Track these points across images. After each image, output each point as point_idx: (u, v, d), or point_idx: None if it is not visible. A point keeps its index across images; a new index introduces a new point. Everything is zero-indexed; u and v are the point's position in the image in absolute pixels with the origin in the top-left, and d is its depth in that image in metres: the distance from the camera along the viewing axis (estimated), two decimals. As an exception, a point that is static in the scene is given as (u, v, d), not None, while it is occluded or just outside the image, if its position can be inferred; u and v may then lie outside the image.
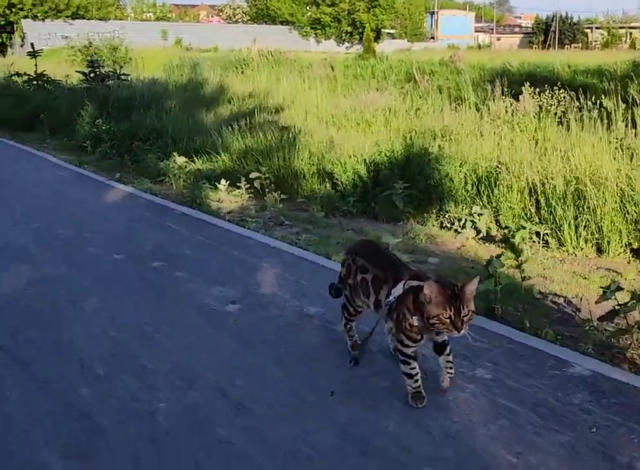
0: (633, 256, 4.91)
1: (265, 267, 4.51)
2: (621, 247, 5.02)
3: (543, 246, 5.09)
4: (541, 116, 7.65)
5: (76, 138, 9.45)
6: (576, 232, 5.14)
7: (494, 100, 8.72)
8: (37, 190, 7.02)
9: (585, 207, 5.25)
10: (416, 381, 2.83)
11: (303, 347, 3.37)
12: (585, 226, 5.13)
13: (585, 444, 2.47)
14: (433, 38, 49.58)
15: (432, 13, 53.06)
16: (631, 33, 47.61)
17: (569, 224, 5.18)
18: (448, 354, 2.89)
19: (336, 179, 6.78)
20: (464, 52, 30.27)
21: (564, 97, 8.42)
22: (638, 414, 2.69)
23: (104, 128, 9.05)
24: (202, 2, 54.59)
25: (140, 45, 27.46)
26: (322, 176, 7.03)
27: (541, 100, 8.57)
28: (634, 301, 3.37)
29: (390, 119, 9.25)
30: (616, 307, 3.36)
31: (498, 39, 52.28)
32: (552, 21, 50.40)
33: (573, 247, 5.09)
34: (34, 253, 4.82)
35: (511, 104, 8.66)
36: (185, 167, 7.44)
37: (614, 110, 7.08)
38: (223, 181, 6.69)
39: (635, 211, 5.14)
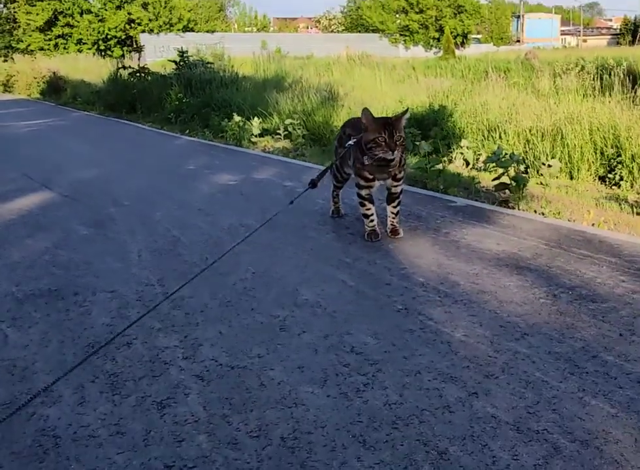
0: (600, 182, 5.74)
1: (264, 168, 5.92)
2: (590, 174, 5.94)
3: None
4: (573, 90, 8.61)
5: (164, 113, 11.21)
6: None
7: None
8: (132, 142, 8.81)
9: (560, 141, 6.28)
10: (372, 221, 3.40)
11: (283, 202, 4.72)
12: (560, 158, 6.13)
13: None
14: (519, 41, 49.14)
15: (518, 17, 52.55)
16: None
17: (546, 156, 6.18)
18: (395, 206, 3.45)
19: None
20: (542, 51, 30.35)
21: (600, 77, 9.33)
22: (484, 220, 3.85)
23: (184, 101, 10.75)
24: (302, 15, 57.36)
25: (242, 54, 29.61)
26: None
27: (582, 80, 9.50)
28: (510, 159, 4.50)
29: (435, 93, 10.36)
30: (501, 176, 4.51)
31: (585, 41, 50.96)
32: (642, 20, 48.53)
33: (550, 175, 6.08)
34: (128, 168, 6.49)
35: (554, 83, 9.72)
36: (243, 124, 8.92)
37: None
38: (255, 119, 8.14)
39: (602, 142, 6.10)
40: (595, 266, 3.05)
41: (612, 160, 5.81)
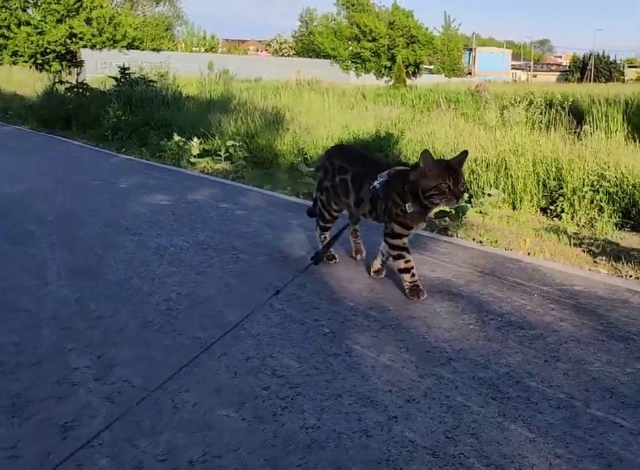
0: (542, 213, 5.94)
1: (201, 189, 5.90)
2: (532, 206, 6.11)
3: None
4: (520, 123, 8.98)
5: (101, 130, 11.06)
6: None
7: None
8: (64, 158, 8.64)
9: (504, 172, 6.50)
10: (414, 275, 2.98)
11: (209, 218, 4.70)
12: (504, 189, 6.34)
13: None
14: (470, 73, 50.87)
15: (470, 49, 54.50)
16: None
17: (490, 186, 6.38)
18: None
19: (306, 154, 8.25)
20: (493, 84, 31.52)
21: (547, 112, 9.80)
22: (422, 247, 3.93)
23: (122, 119, 10.65)
24: (252, 38, 57.97)
25: (188, 74, 29.56)
26: (297, 153, 8.48)
27: (528, 113, 9.93)
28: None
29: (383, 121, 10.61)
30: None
31: (534, 76, 53.20)
32: (589, 59, 51.07)
33: (490, 204, 6.27)
34: (56, 185, 6.35)
35: (501, 115, 10.17)
36: (183, 144, 8.89)
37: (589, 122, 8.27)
38: (195, 139, 8.13)
39: (544, 175, 6.34)
40: (526, 294, 3.14)
41: (554, 193, 6.03)
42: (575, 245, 4.57)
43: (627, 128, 8.65)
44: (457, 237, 4.49)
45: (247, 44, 57.06)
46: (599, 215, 5.37)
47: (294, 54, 45.55)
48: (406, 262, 2.97)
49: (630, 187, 5.66)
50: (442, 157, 3.34)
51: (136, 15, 37.33)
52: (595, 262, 4.03)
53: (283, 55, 45.82)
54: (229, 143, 8.16)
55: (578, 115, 9.15)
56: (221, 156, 8.15)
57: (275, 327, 2.67)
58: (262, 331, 2.61)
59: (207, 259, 3.65)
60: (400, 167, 2.94)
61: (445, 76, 46.30)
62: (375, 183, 2.91)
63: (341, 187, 3.21)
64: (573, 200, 5.72)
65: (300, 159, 8.18)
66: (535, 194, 6.14)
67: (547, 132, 8.15)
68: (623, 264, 3.89)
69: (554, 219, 5.69)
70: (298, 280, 3.28)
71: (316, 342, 2.52)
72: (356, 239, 3.62)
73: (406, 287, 3.01)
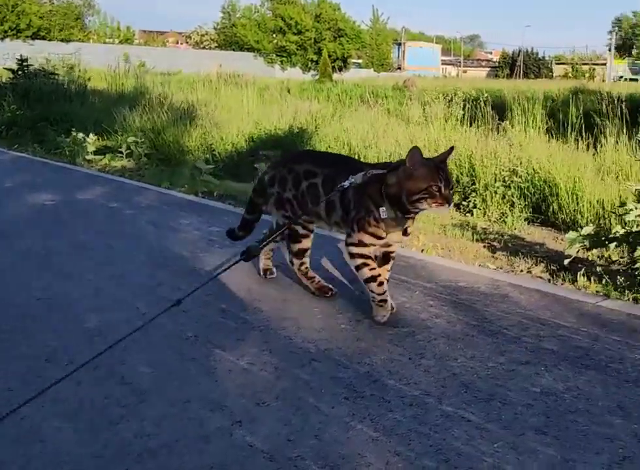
0: (455, 209, 5.90)
1: (93, 188, 5.78)
2: None
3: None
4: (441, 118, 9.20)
5: (-7, 125, 10.64)
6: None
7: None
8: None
9: None
10: (380, 284, 2.69)
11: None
12: None
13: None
14: (400, 68, 51.78)
15: (399, 44, 55.47)
16: (594, 69, 50.10)
17: None
18: (389, 270, 2.84)
19: (215, 151, 8.20)
20: (422, 79, 32.19)
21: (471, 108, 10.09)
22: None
23: (18, 114, 10.29)
24: (171, 29, 57.15)
25: (100, 66, 28.80)
26: (206, 150, 8.41)
27: (451, 109, 10.18)
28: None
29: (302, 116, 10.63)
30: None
31: (465, 72, 54.65)
32: (518, 55, 52.87)
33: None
34: None
35: (424, 110, 10.37)
36: (82, 141, 8.65)
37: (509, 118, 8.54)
38: (91, 135, 7.95)
39: (458, 171, 6.49)
40: (408, 291, 3.21)
41: (467, 188, 6.21)
42: (477, 240, 4.71)
43: (551, 123, 9.03)
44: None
45: (166, 35, 56.18)
46: (510, 211, 5.56)
47: (216, 47, 45.17)
48: (371, 269, 2.68)
49: (541, 183, 5.89)
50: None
51: (42, 3, 36.10)
52: (493, 257, 4.16)
53: (204, 47, 45.36)
54: (130, 139, 8.02)
55: (501, 110, 9.45)
56: (122, 153, 7.99)
57: (135, 332, 2.63)
58: (120, 337, 2.57)
59: (80, 262, 3.57)
60: (376, 170, 2.63)
61: (374, 70, 46.94)
62: (345, 183, 2.60)
63: (310, 194, 2.86)
64: (485, 195, 5.89)
65: (207, 156, 8.12)
66: None
67: (469, 127, 8.43)
68: (520, 258, 4.03)
69: (467, 214, 5.85)
70: (173, 282, 3.25)
71: (175, 347, 2.51)
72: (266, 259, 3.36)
73: (372, 300, 2.73)
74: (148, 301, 3.00)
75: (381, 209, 2.56)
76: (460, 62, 58.90)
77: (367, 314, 2.88)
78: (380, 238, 2.64)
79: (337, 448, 1.85)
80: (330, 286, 3.10)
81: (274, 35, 43.93)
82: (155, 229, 4.39)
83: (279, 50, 43.64)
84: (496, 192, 5.83)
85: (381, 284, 2.69)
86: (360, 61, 48.45)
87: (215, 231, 4.35)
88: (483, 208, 5.81)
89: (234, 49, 43.94)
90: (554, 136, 8.32)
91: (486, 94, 12.12)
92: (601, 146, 7.04)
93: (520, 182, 5.94)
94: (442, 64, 57.25)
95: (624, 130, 7.68)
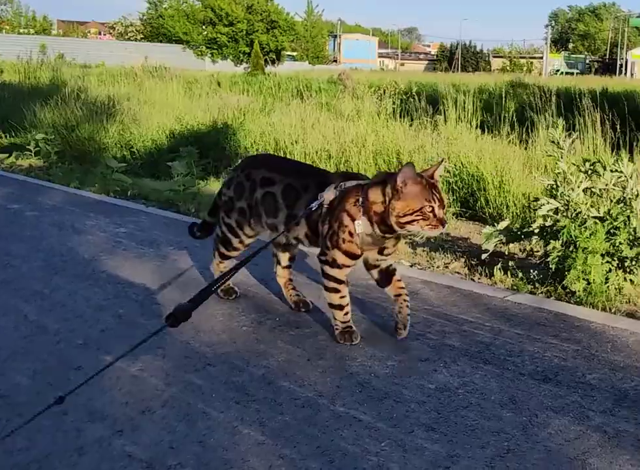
0: None
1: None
2: None
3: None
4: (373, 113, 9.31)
5: None
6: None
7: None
8: None
9: (345, 164, 6.72)
10: (347, 313, 2.60)
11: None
12: None
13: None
14: (336, 61, 52.11)
15: (335, 36, 55.83)
16: (532, 62, 51.64)
17: None
18: (399, 280, 2.67)
19: (133, 148, 8.09)
20: (358, 72, 32.46)
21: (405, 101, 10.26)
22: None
23: None
24: (93, 19, 55.78)
25: (13, 58, 27.93)
26: (124, 146, 8.28)
27: (382, 103, 10.31)
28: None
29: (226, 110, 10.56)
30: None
31: (402, 65, 55.43)
32: (456, 48, 53.97)
33: None
34: None
35: (355, 105, 10.49)
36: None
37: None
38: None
39: (386, 166, 6.61)
40: (317, 291, 3.24)
41: None
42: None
43: (486, 117, 9.26)
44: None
45: (87, 26, 54.92)
46: None
47: (142, 38, 44.41)
48: (341, 297, 2.57)
49: (469, 177, 6.05)
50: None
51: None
52: (413, 253, 4.24)
53: (129, 39, 44.53)
54: (39, 136, 7.82)
55: (436, 104, 9.63)
56: (31, 151, 7.79)
57: (22, 340, 2.58)
58: (3, 345, 2.51)
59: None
60: (351, 182, 2.49)
61: (309, 63, 47.07)
62: (314, 205, 2.45)
63: (265, 204, 2.71)
64: None
65: (125, 153, 8.02)
66: None
67: (401, 121, 8.59)
68: (440, 254, 4.13)
69: None
70: (70, 287, 3.20)
71: (64, 354, 2.47)
72: (291, 289, 3.04)
73: (336, 328, 2.61)
74: (39, 307, 2.94)
75: (356, 222, 2.40)
76: (397, 55, 59.69)
77: (269, 315, 2.90)
78: (355, 257, 2.49)
79: (221, 454, 1.86)
80: (236, 288, 3.10)
81: (204, 27, 43.50)
82: (57, 231, 4.30)
83: (210, 42, 43.24)
84: (425, 188, 5.97)
85: (347, 313, 2.60)
86: (294, 53, 48.50)
87: (122, 232, 4.30)
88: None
89: (161, 41, 43.29)
90: (487, 130, 8.57)
91: (416, 88, 12.39)
92: (533, 140, 7.31)
93: (448, 177, 6.09)
94: (379, 57, 57.90)
95: (554, 123, 7.98)
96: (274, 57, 43.46)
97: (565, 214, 3.87)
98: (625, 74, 40.66)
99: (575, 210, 3.92)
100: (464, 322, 2.87)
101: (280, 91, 20.25)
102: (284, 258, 2.98)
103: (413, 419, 2.06)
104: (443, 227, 2.33)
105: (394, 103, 10.53)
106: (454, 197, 5.75)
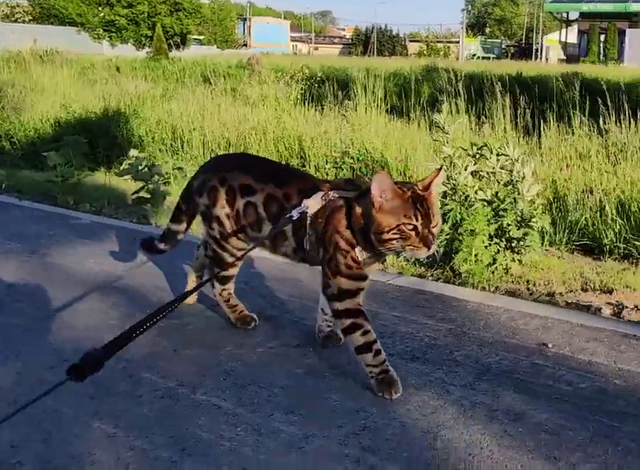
0: None
1: None
2: None
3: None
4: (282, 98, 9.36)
5: None
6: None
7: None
8: None
9: (243, 151, 6.73)
10: (378, 353, 2.20)
11: None
12: None
13: None
14: (246, 45, 51.84)
15: (245, 19, 55.56)
16: (449, 47, 52.92)
17: None
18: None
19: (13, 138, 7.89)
20: (270, 57, 32.40)
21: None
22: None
23: None
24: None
25: None
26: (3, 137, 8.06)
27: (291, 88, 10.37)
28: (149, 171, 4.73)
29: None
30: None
31: (316, 49, 55.72)
32: (372, 32, 54.64)
33: None
34: None
35: (261, 90, 10.52)
36: None
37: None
38: None
39: (287, 153, 6.75)
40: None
41: None
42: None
43: (401, 102, 9.47)
44: (156, 226, 4.56)
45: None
46: None
47: (31, 20, 42.88)
48: (364, 333, 2.21)
49: (374, 163, 6.22)
50: (396, 179, 2.38)
51: None
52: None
53: (16, 21, 42.92)
54: None
55: (347, 89, 9.78)
56: None
57: None
58: None
59: None
60: (338, 191, 2.27)
61: (218, 47, 46.67)
62: (294, 213, 2.21)
63: (247, 216, 2.49)
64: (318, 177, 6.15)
65: (4, 143, 7.81)
66: None
67: (309, 107, 8.73)
68: None
69: None
70: None
71: None
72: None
73: (370, 376, 2.21)
74: None
75: (357, 250, 2.20)
76: (311, 39, 59.92)
77: (141, 308, 2.92)
78: (363, 279, 2.26)
79: (67, 449, 1.88)
80: (253, 315, 2.75)
81: (100, 8, 42.37)
82: None
83: (107, 25, 42.16)
84: (327, 174, 6.08)
85: (377, 353, 2.20)
86: (201, 37, 47.97)
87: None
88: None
89: (52, 24, 41.93)
90: (397, 115, 8.80)
91: (322, 73, 12.53)
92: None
93: (352, 163, 6.23)
94: (292, 41, 57.96)
95: (469, 108, 8.29)
96: (179, 41, 42.85)
97: (453, 198, 4.04)
98: (541, 58, 42.22)
99: (463, 193, 4.11)
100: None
101: (185, 77, 20.07)
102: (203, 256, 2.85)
103: (274, 403, 2.13)
104: (429, 249, 2.05)
105: (302, 88, 10.72)
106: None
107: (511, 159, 4.10)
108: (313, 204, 2.23)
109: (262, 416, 2.06)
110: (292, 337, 2.66)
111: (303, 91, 10.53)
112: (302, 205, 2.22)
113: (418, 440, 1.93)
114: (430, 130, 7.03)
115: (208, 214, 2.59)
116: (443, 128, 4.26)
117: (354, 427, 1.99)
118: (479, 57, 43.24)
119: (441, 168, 2.18)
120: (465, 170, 4.14)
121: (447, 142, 4.25)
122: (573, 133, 6.86)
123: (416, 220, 2.03)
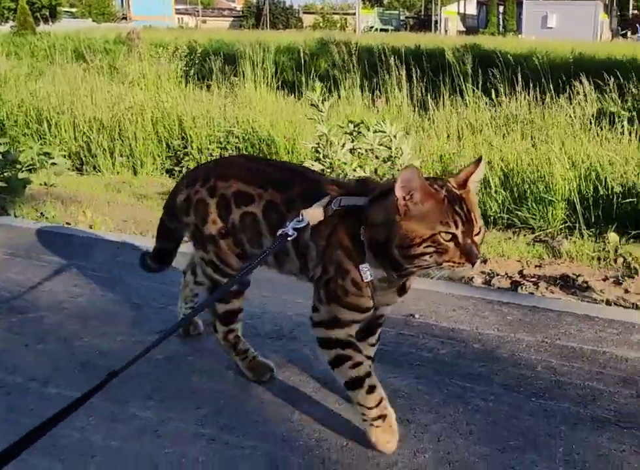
0: (168, 175, 6.36)
1: None
2: (156, 168, 6.46)
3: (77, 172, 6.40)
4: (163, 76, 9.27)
5: None
6: (111, 157, 6.49)
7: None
8: None
9: (119, 134, 6.74)
10: (372, 390, 1.91)
11: None
12: (121, 152, 6.55)
13: None
14: (125, 18, 50.76)
15: (122, -9, 54.42)
16: (345, 19, 53.53)
17: (103, 150, 6.52)
18: (374, 343, 2.14)
19: None
20: (152, 31, 31.86)
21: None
22: None
23: None
24: None
25: None
26: None
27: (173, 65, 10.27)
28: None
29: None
30: None
31: (204, 22, 55.13)
32: (264, 4, 54.52)
33: (109, 171, 6.38)
34: None
35: (139, 67, 10.38)
36: None
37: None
38: None
39: (168, 134, 6.68)
40: (41, 269, 3.29)
41: (179, 153, 6.47)
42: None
43: (290, 77, 9.59)
44: (15, 216, 4.51)
45: None
46: None
47: None
48: (355, 366, 1.91)
49: (260, 142, 6.33)
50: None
51: None
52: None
53: None
54: None
55: (235, 65, 9.80)
56: None
57: None
58: None
59: None
60: (349, 198, 1.93)
61: (94, 21, 45.50)
62: (289, 228, 1.91)
63: (245, 230, 2.17)
64: (200, 159, 6.19)
65: None
66: (159, 155, 6.51)
67: (191, 84, 8.72)
68: None
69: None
70: None
71: None
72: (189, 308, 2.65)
73: (363, 419, 1.93)
74: None
75: (361, 267, 1.85)
76: (197, 11, 59.16)
77: (-9, 302, 2.92)
78: (365, 310, 1.93)
79: None
80: (269, 364, 2.35)
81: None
82: None
83: (-36, -3, 40.39)
84: (211, 155, 6.16)
85: (372, 389, 1.91)
86: (73, 9, 46.66)
87: None
88: (196, 171, 6.10)
89: None
90: (290, 90, 8.90)
91: (201, 49, 12.51)
92: (335, 101, 7.74)
93: (237, 142, 6.32)
94: (177, 13, 57.12)
95: (364, 83, 8.50)
96: (48, 14, 41.51)
97: (331, 175, 4.21)
98: (440, 30, 43.32)
99: (341, 171, 4.28)
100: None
101: (55, 54, 19.50)
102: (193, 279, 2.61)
103: (130, 390, 2.21)
104: (472, 265, 1.71)
105: (186, 65, 10.71)
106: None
107: (389, 136, 4.30)
108: (314, 215, 1.91)
109: (117, 403, 2.13)
110: (156, 323, 2.73)
111: (188, 68, 10.52)
112: (300, 217, 1.91)
113: (275, 416, 2.06)
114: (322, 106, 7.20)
115: (198, 235, 2.26)
116: (317, 106, 4.40)
117: (213, 408, 2.10)
118: (376, 30, 43.80)
119: (480, 158, 1.80)
120: (343, 147, 4.31)
121: (322, 120, 4.40)
122: (466, 106, 7.20)
123: (456, 227, 1.68)
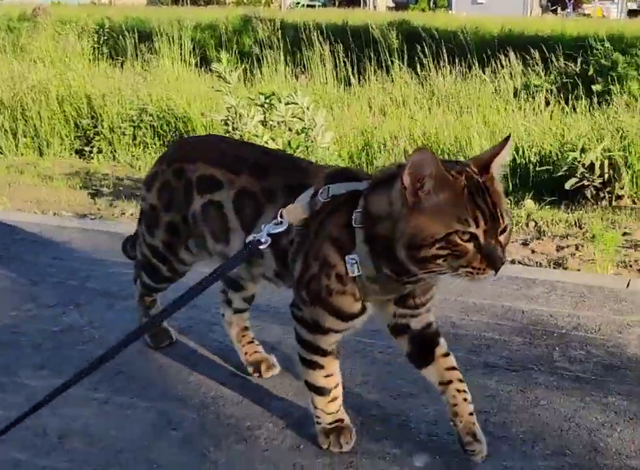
0: (78, 156, 6.31)
1: None
2: (64, 149, 6.39)
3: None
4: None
5: None
6: (14, 138, 6.41)
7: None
8: None
9: (22, 114, 6.64)
10: (334, 400, 1.84)
11: None
12: (25, 133, 6.47)
13: None
14: (32, -4, 49.57)
15: (27, -37, 53.00)
16: (274, -6, 53.39)
17: (5, 132, 6.45)
18: (446, 354, 1.84)
19: None
20: (62, 8, 31.18)
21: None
22: None
23: None
24: None
25: None
26: None
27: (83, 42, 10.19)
28: None
29: None
30: None
31: (119, -2, 54.25)
32: (181, -22, 53.98)
33: (12, 153, 6.30)
34: None
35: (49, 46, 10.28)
36: None
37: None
38: None
39: (76, 113, 6.62)
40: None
41: (88, 132, 6.43)
42: (85, 188, 4.95)
43: (212, 55, 9.57)
44: None
45: None
46: (143, 152, 6.05)
47: None
48: (326, 377, 1.82)
49: (176, 120, 6.34)
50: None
51: None
52: (93, 203, 4.43)
53: None
54: None
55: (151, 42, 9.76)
56: None
57: None
58: None
59: None
60: (339, 185, 1.72)
61: (-4, -2, 44.29)
62: (263, 234, 1.72)
63: (208, 220, 1.96)
64: (112, 138, 6.16)
65: None
66: (67, 135, 6.46)
67: (101, 61, 8.68)
68: (123, 201, 4.32)
69: (91, 161, 6.01)
70: None
71: None
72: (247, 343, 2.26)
73: (317, 422, 1.88)
74: None
75: (347, 258, 1.64)
76: (111, -13, 58.25)
77: None
78: (351, 317, 1.72)
79: None
80: (170, 330, 2.40)
81: None
82: None
83: None
84: (124, 134, 6.14)
85: (333, 400, 1.85)
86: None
87: None
88: (111, 152, 6.08)
89: None
90: (208, 68, 8.89)
91: (108, 24, 12.43)
92: (259, 78, 7.83)
93: (152, 120, 6.31)
94: (89, -11, 56.08)
95: (287, 59, 8.59)
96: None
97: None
98: (368, 6, 43.58)
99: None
100: (113, 265, 3.08)
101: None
102: (237, 297, 2.24)
103: (23, 362, 2.25)
104: (495, 271, 1.49)
105: (97, 42, 10.61)
106: (161, 142, 6.09)
107: (302, 108, 4.39)
108: (296, 214, 1.73)
109: (7, 374, 2.17)
110: (51, 297, 2.77)
111: (99, 46, 10.43)
112: (278, 218, 1.72)
113: (172, 378, 2.14)
114: (245, 83, 7.26)
115: (153, 217, 2.11)
116: (225, 78, 4.47)
117: (108, 373, 2.15)
118: (303, 5, 43.76)
119: (508, 137, 1.59)
120: (252, 119, 4.39)
121: (230, 92, 4.48)
122: (392, 81, 7.38)
123: (477, 225, 1.46)
